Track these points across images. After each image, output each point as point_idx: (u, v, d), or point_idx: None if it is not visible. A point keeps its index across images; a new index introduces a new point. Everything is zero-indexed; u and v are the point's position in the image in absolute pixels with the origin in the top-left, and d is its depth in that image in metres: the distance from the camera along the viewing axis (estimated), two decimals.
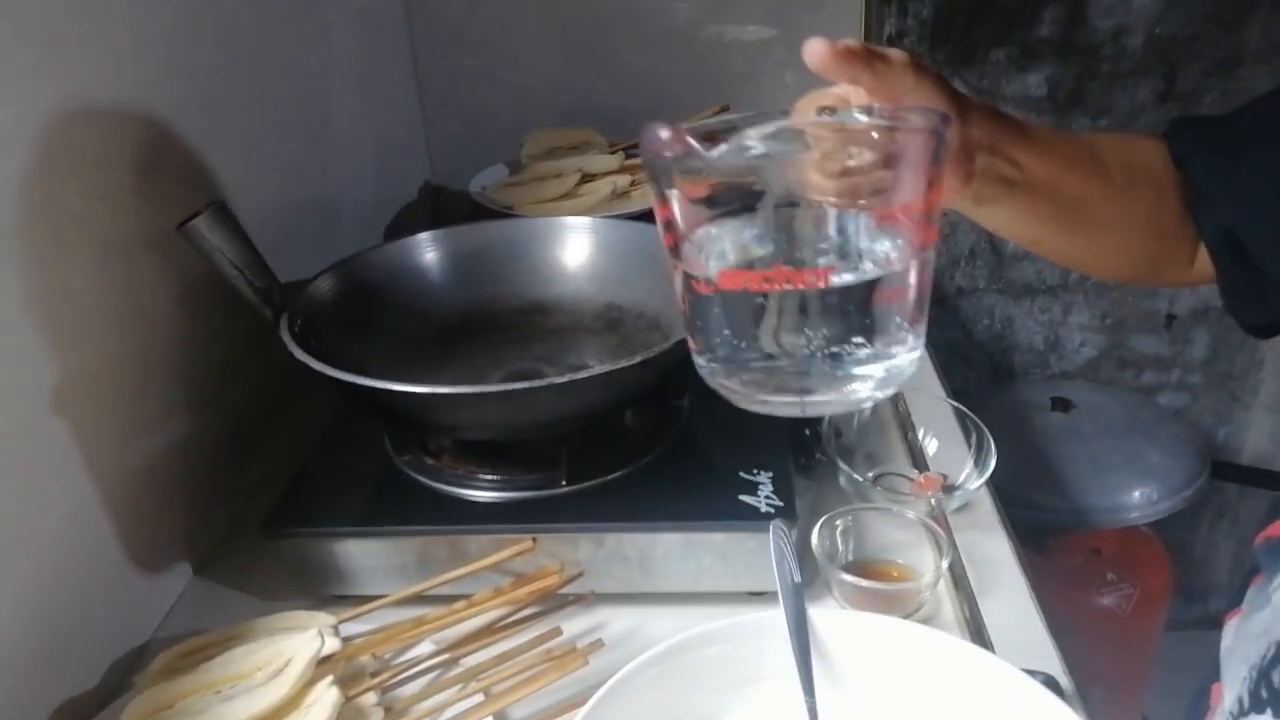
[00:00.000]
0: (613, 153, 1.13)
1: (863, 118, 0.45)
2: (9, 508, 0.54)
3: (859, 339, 0.42)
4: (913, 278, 0.42)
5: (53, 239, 0.58)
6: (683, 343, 0.62)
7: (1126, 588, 1.31)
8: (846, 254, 0.43)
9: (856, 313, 0.42)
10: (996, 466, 0.72)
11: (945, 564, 0.64)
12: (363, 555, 0.65)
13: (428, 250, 0.83)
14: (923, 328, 0.43)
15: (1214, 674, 0.60)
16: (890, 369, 0.43)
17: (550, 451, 0.69)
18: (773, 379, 0.43)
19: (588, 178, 1.11)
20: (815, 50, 0.43)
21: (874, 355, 0.42)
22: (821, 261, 0.42)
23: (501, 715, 0.57)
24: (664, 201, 0.42)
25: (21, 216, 0.55)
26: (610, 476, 0.68)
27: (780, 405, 0.43)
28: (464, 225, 0.86)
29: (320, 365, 0.62)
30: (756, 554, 0.62)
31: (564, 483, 0.67)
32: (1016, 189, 0.53)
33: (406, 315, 0.80)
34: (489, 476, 0.68)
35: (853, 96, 0.47)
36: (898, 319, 0.42)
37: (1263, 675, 0.52)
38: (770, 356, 0.42)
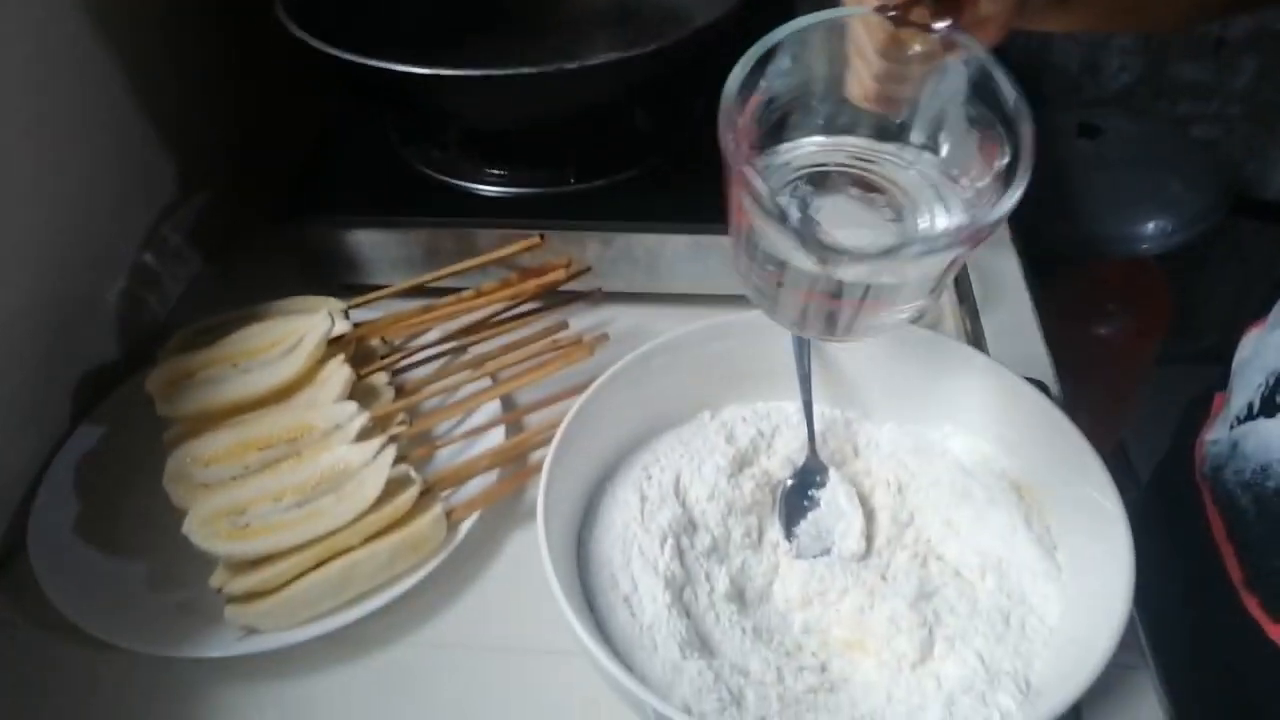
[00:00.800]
0: None
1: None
2: (26, 186, 0.54)
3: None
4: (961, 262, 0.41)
5: None
6: (698, 35, 0.59)
7: (1125, 319, 1.33)
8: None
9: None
10: None
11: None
12: (370, 246, 0.66)
13: None
14: None
15: (1219, 384, 0.62)
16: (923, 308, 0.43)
17: (559, 148, 0.67)
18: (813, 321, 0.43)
19: None
20: None
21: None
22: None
23: (508, 399, 0.60)
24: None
25: None
26: (620, 176, 0.66)
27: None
28: None
29: (321, 44, 0.59)
30: None
31: (572, 180, 0.65)
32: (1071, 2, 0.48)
33: (406, 2, 0.75)
34: (497, 172, 0.66)
35: None
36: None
37: None
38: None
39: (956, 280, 0.68)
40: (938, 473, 0.51)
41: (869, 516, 0.51)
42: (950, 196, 0.41)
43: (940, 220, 0.41)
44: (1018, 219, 0.73)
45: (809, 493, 0.51)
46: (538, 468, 0.48)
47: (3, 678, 0.49)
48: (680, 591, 0.46)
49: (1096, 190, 1.25)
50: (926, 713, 0.42)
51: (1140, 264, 1.31)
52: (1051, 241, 1.23)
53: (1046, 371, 0.62)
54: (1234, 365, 0.60)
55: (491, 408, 0.59)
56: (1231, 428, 0.56)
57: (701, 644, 0.44)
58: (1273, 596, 0.51)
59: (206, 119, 0.72)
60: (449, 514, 0.51)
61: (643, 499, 0.50)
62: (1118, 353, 1.35)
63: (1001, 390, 0.51)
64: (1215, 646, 0.57)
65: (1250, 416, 0.54)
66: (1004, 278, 0.69)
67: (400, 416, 0.56)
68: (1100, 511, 0.45)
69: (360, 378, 0.56)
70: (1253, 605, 0.52)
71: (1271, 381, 0.53)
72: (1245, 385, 0.56)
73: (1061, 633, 0.44)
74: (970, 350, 0.53)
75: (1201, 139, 1.50)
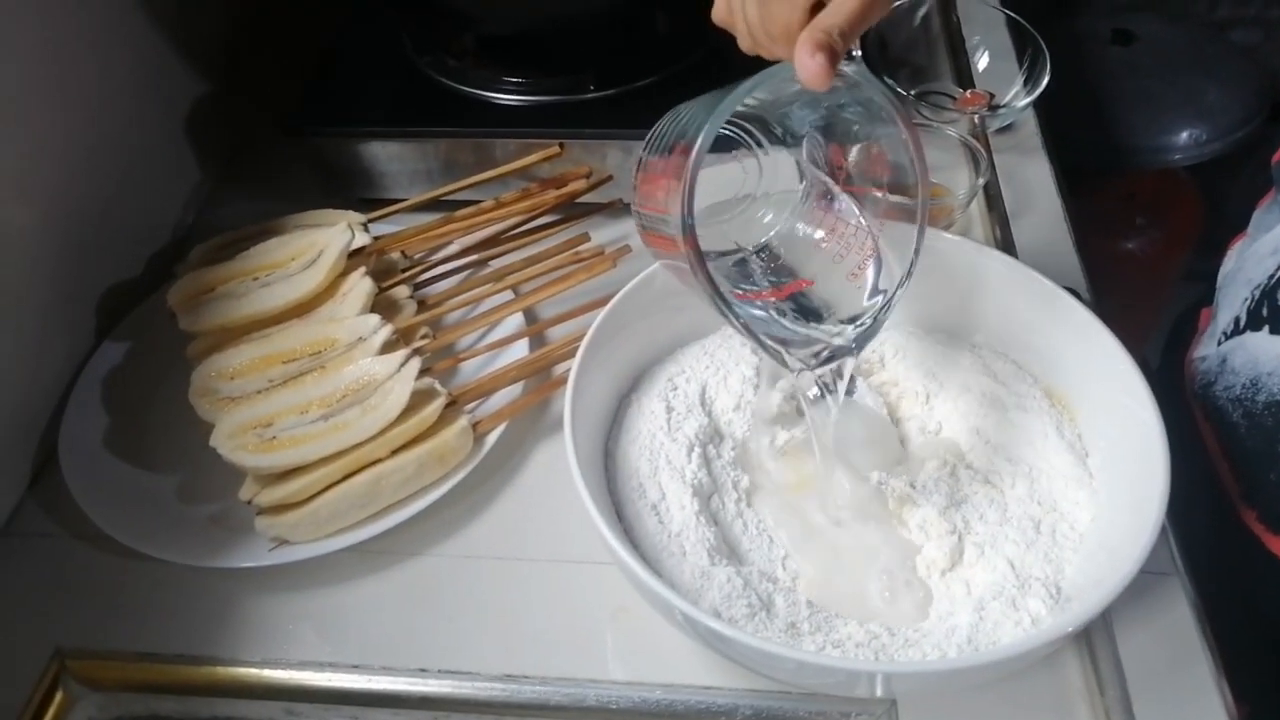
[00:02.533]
0: None
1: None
2: (40, 103, 0.53)
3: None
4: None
5: None
6: None
7: (1154, 233, 1.30)
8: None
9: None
10: (1045, 92, 0.68)
11: (981, 182, 0.62)
12: (387, 158, 0.64)
13: None
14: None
15: (1205, 299, 0.60)
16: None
17: (578, 55, 0.65)
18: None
19: None
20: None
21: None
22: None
23: (530, 312, 0.59)
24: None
25: None
26: (641, 83, 0.64)
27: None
28: None
29: None
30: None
31: (592, 87, 0.64)
32: None
33: None
34: (515, 80, 0.65)
35: None
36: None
37: (1267, 295, 0.51)
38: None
39: (986, 187, 0.67)
40: (966, 381, 0.50)
41: (897, 426, 0.51)
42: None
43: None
44: (1049, 128, 0.71)
45: None
46: (562, 380, 0.48)
47: (39, 586, 0.50)
48: (708, 500, 0.46)
49: (1129, 99, 1.21)
50: (956, 618, 0.42)
51: (1172, 175, 1.28)
52: (1079, 152, 1.19)
53: (1079, 280, 0.61)
54: (1219, 279, 0.58)
55: (514, 321, 0.58)
56: (1219, 343, 0.55)
57: (730, 551, 0.44)
58: (1270, 510, 0.51)
59: (219, 22, 0.70)
60: (475, 426, 0.51)
61: (669, 409, 0.49)
62: (1146, 267, 1.33)
63: (1034, 296, 0.50)
64: (1219, 558, 0.57)
65: (1237, 331, 0.53)
66: (1035, 187, 0.68)
67: (423, 330, 0.56)
68: (1134, 418, 0.44)
69: (381, 291, 0.56)
70: (1250, 519, 0.52)
71: (1256, 294, 0.52)
72: (1231, 300, 0.55)
73: (1092, 539, 0.44)
74: (1001, 255, 0.52)
75: (1240, 44, 1.45)
